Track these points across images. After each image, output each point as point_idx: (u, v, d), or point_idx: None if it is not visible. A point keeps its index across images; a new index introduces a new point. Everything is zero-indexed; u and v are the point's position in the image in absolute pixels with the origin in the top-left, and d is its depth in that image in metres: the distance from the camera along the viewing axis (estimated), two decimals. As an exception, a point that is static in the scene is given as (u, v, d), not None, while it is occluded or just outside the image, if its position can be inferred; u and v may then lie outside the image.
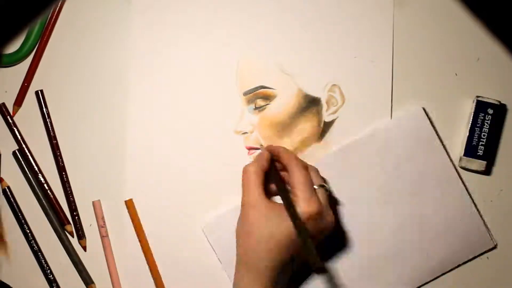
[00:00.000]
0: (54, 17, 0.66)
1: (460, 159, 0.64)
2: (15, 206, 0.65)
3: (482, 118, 0.64)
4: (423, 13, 0.66)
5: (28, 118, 0.66)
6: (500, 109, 0.64)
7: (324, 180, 0.61)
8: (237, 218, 0.60)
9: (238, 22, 0.66)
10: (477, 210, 0.64)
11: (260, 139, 0.66)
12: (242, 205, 0.59)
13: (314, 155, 0.65)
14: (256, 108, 0.66)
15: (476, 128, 0.64)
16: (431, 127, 0.65)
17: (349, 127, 0.66)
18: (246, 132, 0.66)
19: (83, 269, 0.65)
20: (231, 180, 0.65)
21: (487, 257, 0.65)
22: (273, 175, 0.60)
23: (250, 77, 0.66)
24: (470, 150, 0.64)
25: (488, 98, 0.64)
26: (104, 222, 0.65)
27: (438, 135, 0.65)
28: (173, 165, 0.66)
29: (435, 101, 0.66)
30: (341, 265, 0.64)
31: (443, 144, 0.65)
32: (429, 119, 0.65)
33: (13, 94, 0.66)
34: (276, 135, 0.66)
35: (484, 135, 0.64)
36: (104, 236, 0.65)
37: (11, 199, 0.65)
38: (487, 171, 0.65)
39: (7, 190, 0.65)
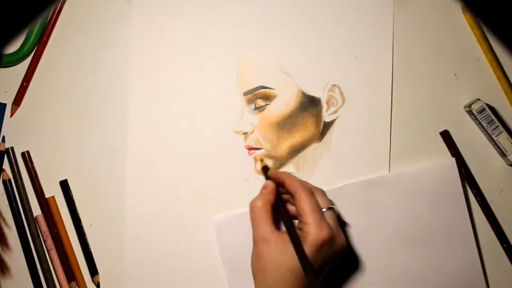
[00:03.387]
0: (54, 17, 0.66)
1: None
2: (13, 202, 0.65)
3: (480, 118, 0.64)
4: (423, 13, 0.66)
5: (27, 118, 0.66)
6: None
7: (331, 202, 0.60)
8: (243, 223, 0.60)
9: (238, 22, 0.66)
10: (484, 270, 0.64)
11: (260, 139, 0.66)
12: (254, 240, 0.58)
13: (314, 155, 0.65)
14: (256, 108, 0.66)
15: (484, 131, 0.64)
16: (459, 182, 0.64)
17: (349, 127, 0.66)
18: (246, 132, 0.66)
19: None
20: (230, 180, 0.65)
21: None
22: (279, 209, 0.60)
23: (250, 77, 0.66)
24: None
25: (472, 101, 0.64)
26: (48, 236, 0.65)
27: (465, 188, 0.65)
28: (173, 165, 0.66)
29: (435, 101, 0.66)
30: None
31: (466, 198, 0.65)
32: (461, 172, 0.64)
33: (13, 94, 0.66)
34: (276, 135, 0.66)
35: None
36: (50, 250, 0.65)
37: (10, 192, 0.65)
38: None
39: (7, 183, 0.65)
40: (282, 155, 0.66)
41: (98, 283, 0.65)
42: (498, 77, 0.65)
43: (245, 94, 0.66)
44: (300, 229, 0.57)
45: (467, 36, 0.66)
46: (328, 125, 0.66)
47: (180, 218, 0.65)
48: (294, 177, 0.61)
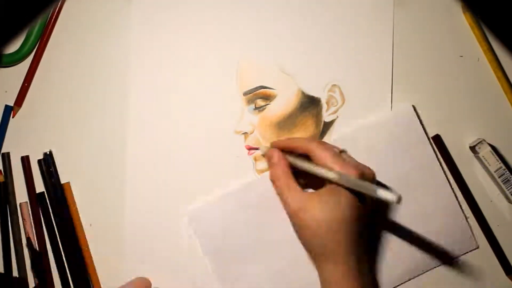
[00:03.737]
0: (54, 17, 0.66)
1: None
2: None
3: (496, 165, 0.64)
4: (423, 13, 0.66)
5: (28, 118, 0.66)
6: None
7: (338, 148, 0.61)
8: (220, 208, 0.62)
9: (238, 22, 0.66)
10: (462, 210, 0.65)
11: (260, 139, 0.66)
12: (292, 213, 0.58)
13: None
14: (256, 108, 0.66)
15: (495, 174, 0.64)
16: (420, 126, 0.65)
17: (349, 127, 0.66)
18: (246, 132, 0.66)
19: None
20: (230, 180, 0.65)
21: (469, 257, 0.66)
22: (293, 159, 0.60)
23: (250, 77, 0.66)
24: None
25: (478, 141, 0.64)
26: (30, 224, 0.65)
27: (427, 134, 0.65)
28: (172, 165, 0.66)
29: (435, 101, 0.66)
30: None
31: (430, 140, 0.65)
32: (419, 117, 0.65)
33: (13, 94, 0.66)
34: (276, 135, 0.66)
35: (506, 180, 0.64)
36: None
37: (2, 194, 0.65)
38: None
39: (1, 185, 0.65)
40: (282, 155, 0.66)
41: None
42: (498, 77, 0.65)
43: (245, 94, 0.66)
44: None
45: (467, 36, 0.66)
46: (328, 125, 0.66)
47: (180, 218, 0.65)
48: (296, 138, 0.62)
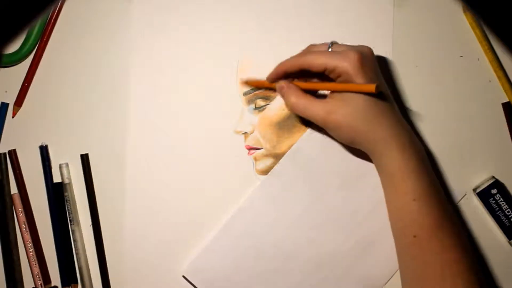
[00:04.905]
0: (54, 17, 0.66)
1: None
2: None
3: (494, 201, 0.64)
4: (423, 13, 0.66)
5: (28, 118, 0.66)
6: (499, 184, 0.64)
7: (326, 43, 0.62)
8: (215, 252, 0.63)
9: (238, 22, 0.66)
10: None
11: (260, 139, 0.66)
12: (321, 120, 0.59)
13: (314, 155, 0.66)
14: (256, 108, 0.66)
15: (499, 213, 0.64)
16: None
17: (349, 127, 0.66)
18: (246, 132, 0.66)
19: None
20: (230, 180, 0.65)
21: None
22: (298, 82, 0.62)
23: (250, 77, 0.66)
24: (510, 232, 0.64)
25: (482, 183, 0.64)
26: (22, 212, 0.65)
27: None
28: (172, 165, 0.66)
29: (435, 101, 0.66)
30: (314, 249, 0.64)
31: None
32: None
33: (13, 94, 0.66)
34: (276, 135, 0.66)
35: (509, 212, 0.64)
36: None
37: None
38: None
39: None
40: (282, 155, 0.66)
41: None
42: (498, 77, 0.65)
43: (245, 94, 0.66)
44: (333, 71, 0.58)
45: (467, 36, 0.66)
46: (328, 125, 0.66)
47: (179, 217, 0.65)
48: (286, 60, 0.62)
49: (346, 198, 0.64)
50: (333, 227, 0.64)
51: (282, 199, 0.64)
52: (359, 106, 0.57)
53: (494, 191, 0.63)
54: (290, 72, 0.61)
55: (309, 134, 0.65)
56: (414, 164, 0.57)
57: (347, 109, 0.58)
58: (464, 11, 0.66)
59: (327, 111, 0.58)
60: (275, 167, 0.65)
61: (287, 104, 0.61)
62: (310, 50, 0.62)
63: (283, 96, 0.62)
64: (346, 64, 0.57)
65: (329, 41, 0.61)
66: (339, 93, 0.58)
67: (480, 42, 0.65)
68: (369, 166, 0.62)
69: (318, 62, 0.59)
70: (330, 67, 0.58)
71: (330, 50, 0.60)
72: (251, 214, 0.64)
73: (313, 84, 0.62)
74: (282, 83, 0.62)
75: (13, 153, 0.65)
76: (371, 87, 0.55)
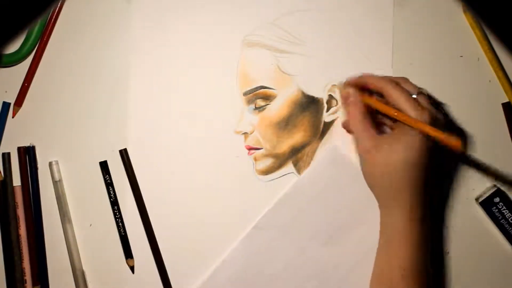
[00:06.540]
0: (54, 17, 0.66)
1: None
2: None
3: (497, 210, 0.64)
4: (423, 13, 0.66)
5: (28, 118, 0.66)
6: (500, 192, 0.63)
7: (417, 87, 0.60)
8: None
9: (239, 22, 0.66)
10: None
11: (260, 139, 0.66)
12: (363, 149, 0.58)
13: (314, 155, 0.65)
14: (256, 108, 0.66)
15: (502, 222, 0.63)
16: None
17: (349, 127, 0.66)
18: (246, 132, 0.66)
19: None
20: (230, 180, 0.65)
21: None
22: (368, 98, 0.60)
23: (250, 77, 0.66)
24: None
25: (484, 192, 0.64)
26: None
27: None
28: (172, 165, 0.66)
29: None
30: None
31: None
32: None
33: (13, 94, 0.66)
34: (276, 135, 0.66)
35: None
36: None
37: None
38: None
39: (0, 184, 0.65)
40: (282, 155, 0.66)
41: (132, 267, 0.65)
42: (498, 77, 0.65)
43: (245, 94, 0.66)
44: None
45: (467, 36, 0.66)
46: (328, 125, 0.66)
47: (179, 217, 0.65)
48: (373, 75, 0.61)
49: (330, 252, 0.64)
50: (316, 282, 0.64)
51: (265, 253, 0.64)
52: (402, 157, 0.56)
53: (496, 199, 0.63)
54: (368, 88, 0.61)
55: (301, 180, 0.65)
56: (416, 235, 0.57)
57: (391, 155, 0.57)
58: (464, 11, 0.66)
59: (373, 145, 0.57)
60: (260, 219, 0.64)
61: (347, 113, 0.61)
62: (399, 83, 0.60)
63: (344, 103, 0.61)
64: (415, 117, 0.56)
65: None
66: (398, 139, 0.57)
67: (480, 42, 0.65)
68: (355, 220, 0.63)
69: (396, 99, 0.58)
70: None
71: (413, 96, 0.58)
72: (250, 251, 0.64)
73: (399, 114, 0.58)
74: (350, 93, 0.60)
75: (6, 155, 0.65)
76: (457, 142, 0.54)
